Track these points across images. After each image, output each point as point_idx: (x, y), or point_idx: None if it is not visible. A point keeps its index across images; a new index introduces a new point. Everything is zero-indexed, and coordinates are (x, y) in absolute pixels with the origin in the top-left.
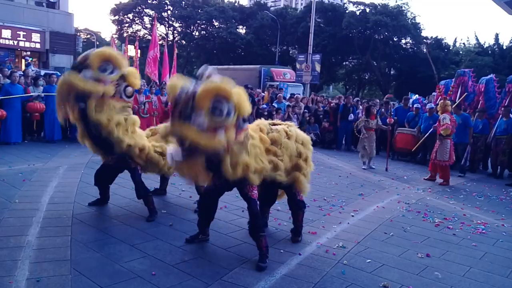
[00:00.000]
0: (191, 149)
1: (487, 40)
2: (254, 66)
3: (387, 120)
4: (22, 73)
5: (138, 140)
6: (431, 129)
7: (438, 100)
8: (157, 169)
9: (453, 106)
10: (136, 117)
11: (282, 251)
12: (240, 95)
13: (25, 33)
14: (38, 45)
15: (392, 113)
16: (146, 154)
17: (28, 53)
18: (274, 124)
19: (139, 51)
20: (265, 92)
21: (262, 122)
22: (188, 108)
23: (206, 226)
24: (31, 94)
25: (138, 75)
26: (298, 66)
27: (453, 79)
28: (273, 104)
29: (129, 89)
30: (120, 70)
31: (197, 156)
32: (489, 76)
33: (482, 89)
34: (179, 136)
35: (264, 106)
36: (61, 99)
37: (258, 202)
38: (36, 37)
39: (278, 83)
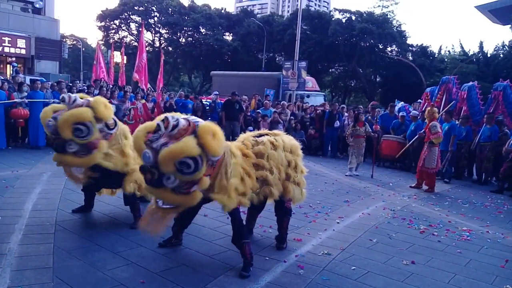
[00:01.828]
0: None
1: (472, 48)
2: (271, 73)
3: (373, 127)
4: (4, 79)
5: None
6: (417, 135)
7: (425, 107)
8: None
9: (444, 113)
10: (126, 127)
11: (267, 258)
12: (204, 138)
13: (10, 39)
14: (23, 51)
15: (378, 120)
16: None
17: (13, 59)
18: (260, 135)
19: (125, 57)
20: (252, 99)
21: (246, 137)
22: (155, 175)
23: (181, 231)
24: (15, 100)
25: (103, 102)
26: (284, 73)
27: (438, 86)
28: (258, 110)
29: (110, 122)
30: (91, 121)
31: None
32: (470, 83)
33: (464, 96)
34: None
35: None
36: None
37: (239, 210)
38: (21, 43)
39: (301, 92)
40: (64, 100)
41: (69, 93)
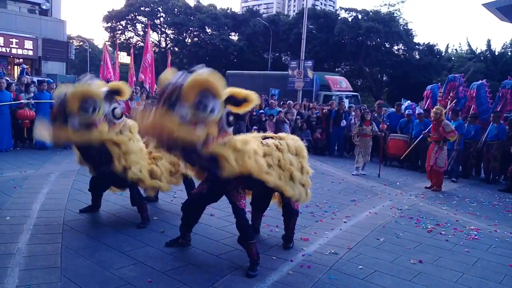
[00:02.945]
0: (169, 141)
1: (479, 46)
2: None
3: (380, 126)
4: (8, 80)
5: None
6: (421, 135)
7: (427, 105)
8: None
9: (451, 112)
10: (134, 123)
11: (274, 257)
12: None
13: (17, 40)
14: (30, 52)
15: (385, 119)
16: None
17: (21, 60)
18: (265, 137)
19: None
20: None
21: (253, 136)
22: (173, 97)
23: (188, 231)
24: (21, 101)
25: (123, 85)
26: (290, 72)
27: (444, 85)
28: (262, 111)
29: (117, 111)
30: (100, 101)
31: (175, 148)
32: (480, 82)
33: (474, 95)
34: (159, 125)
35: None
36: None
37: (245, 211)
38: (28, 44)
39: (337, 93)
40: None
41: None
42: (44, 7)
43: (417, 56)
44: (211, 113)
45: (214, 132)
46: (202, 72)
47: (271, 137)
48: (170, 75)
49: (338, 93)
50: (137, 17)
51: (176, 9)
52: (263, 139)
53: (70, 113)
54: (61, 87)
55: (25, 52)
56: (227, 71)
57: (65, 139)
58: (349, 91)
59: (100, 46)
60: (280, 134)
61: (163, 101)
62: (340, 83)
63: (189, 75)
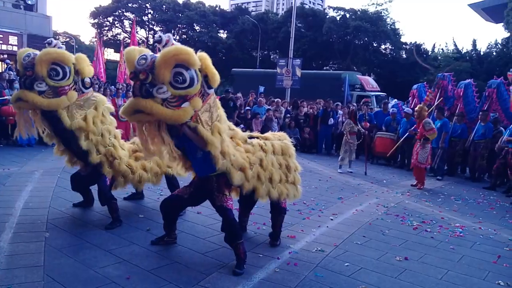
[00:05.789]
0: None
1: (465, 46)
2: (332, 71)
3: (363, 123)
4: None
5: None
6: (407, 133)
7: (413, 104)
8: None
9: (436, 111)
10: (110, 105)
11: (260, 255)
12: (204, 59)
13: (1, 36)
14: (15, 48)
15: (367, 117)
16: (117, 165)
17: (5, 56)
18: (251, 137)
19: (118, 54)
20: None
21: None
22: (147, 81)
23: (171, 229)
24: (5, 97)
25: (87, 61)
26: (278, 70)
27: (435, 83)
28: (248, 108)
29: (87, 80)
30: (70, 67)
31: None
32: (467, 81)
33: (461, 94)
34: (143, 111)
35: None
36: (25, 120)
37: (233, 211)
38: (13, 39)
39: (372, 93)
40: (50, 43)
41: (58, 41)
42: (29, 2)
43: (404, 56)
44: (190, 85)
45: (199, 104)
46: (169, 48)
47: (257, 137)
48: (135, 49)
49: (372, 93)
50: (125, 13)
51: (164, 6)
52: (249, 138)
53: (37, 76)
54: (27, 49)
55: (9, 47)
56: (233, 69)
57: (31, 104)
58: (379, 90)
59: (87, 43)
60: (266, 134)
61: (139, 89)
62: (371, 83)
63: (155, 55)
